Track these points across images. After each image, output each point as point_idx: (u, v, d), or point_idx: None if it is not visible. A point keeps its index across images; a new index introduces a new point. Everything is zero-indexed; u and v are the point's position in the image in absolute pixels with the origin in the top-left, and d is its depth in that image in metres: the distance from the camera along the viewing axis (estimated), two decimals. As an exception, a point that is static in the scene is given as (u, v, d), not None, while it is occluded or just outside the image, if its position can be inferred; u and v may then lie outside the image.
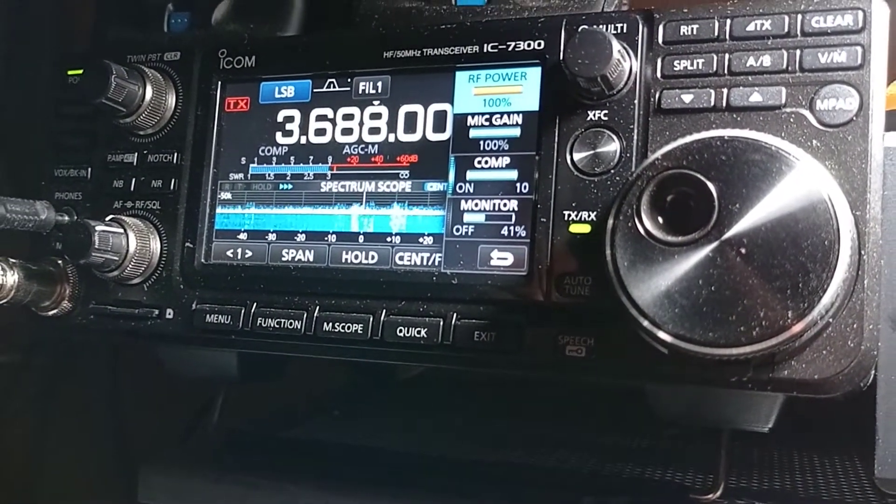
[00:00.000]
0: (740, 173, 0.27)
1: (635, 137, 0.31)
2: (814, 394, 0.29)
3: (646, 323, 0.28)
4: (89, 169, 0.40)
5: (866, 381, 0.29)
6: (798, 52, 0.30)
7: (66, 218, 0.39)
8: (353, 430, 0.51)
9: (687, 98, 0.31)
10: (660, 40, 0.32)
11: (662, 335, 0.27)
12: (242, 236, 0.38)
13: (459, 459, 0.44)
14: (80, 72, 0.40)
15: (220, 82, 0.39)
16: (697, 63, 0.31)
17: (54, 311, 0.40)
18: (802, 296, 0.26)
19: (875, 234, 0.28)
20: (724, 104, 0.30)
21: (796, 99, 0.30)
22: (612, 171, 0.31)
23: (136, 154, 0.39)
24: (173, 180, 0.38)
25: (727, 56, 0.31)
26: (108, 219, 0.38)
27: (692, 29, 0.31)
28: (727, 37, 0.31)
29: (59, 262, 0.39)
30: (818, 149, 0.29)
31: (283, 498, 0.40)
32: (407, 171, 0.35)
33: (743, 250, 0.27)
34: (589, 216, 0.31)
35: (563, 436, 0.48)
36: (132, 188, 0.39)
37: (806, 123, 0.29)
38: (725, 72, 0.30)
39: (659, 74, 0.31)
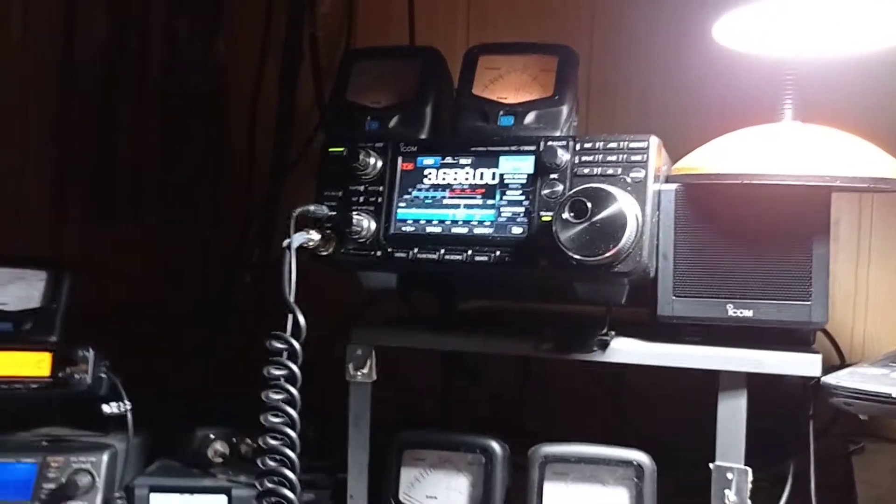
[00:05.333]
0: (598, 198, 0.78)
1: (567, 184, 0.83)
2: (626, 277, 0.80)
3: (566, 251, 0.79)
4: (340, 192, 0.92)
5: (648, 273, 0.81)
6: (626, 154, 0.81)
7: (331, 213, 0.91)
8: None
9: (585, 170, 0.82)
10: (577, 148, 0.83)
11: (571, 254, 0.78)
12: (410, 221, 0.89)
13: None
14: (341, 150, 0.91)
15: (399, 157, 0.90)
16: (589, 158, 0.82)
17: (325, 253, 0.91)
18: (615, 239, 0.77)
19: (648, 222, 0.79)
20: (599, 174, 0.82)
21: (624, 172, 0.81)
22: (558, 196, 0.83)
23: (363, 186, 0.90)
24: (379, 198, 0.90)
25: (601, 155, 0.82)
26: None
27: (589, 145, 0.83)
28: (601, 148, 0.82)
29: (328, 229, 0.91)
30: (630, 191, 0.80)
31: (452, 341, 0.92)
32: (480, 196, 0.87)
33: (597, 224, 0.77)
34: (549, 213, 0.82)
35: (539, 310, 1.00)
36: (361, 200, 0.91)
37: (626, 181, 0.80)
38: (600, 162, 0.82)
39: (576, 161, 0.83)
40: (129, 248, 1.52)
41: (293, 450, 0.79)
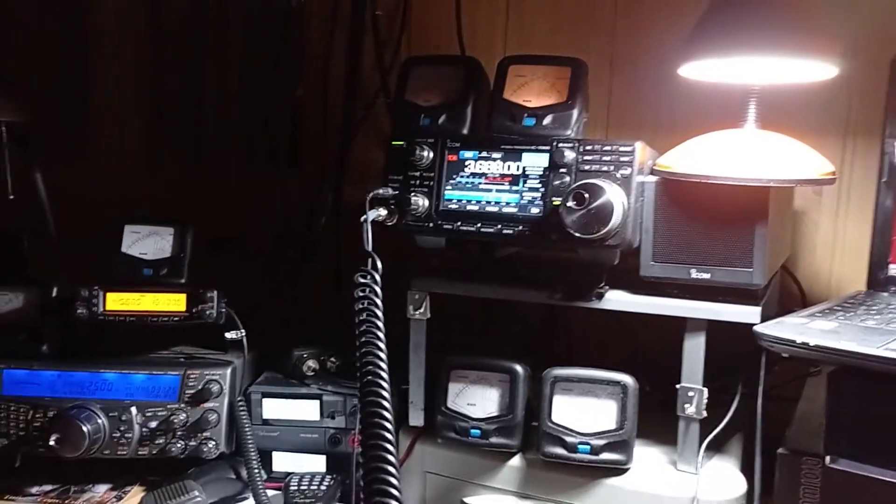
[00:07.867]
0: (593, 191, 1.04)
1: (573, 177, 1.09)
2: (615, 249, 1.07)
3: (570, 230, 1.06)
4: (401, 176, 1.19)
5: (633, 245, 1.08)
6: (617, 155, 1.07)
7: (393, 192, 1.19)
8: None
9: (587, 167, 1.08)
10: (580, 149, 1.09)
11: (573, 233, 1.05)
12: (454, 200, 1.17)
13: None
14: (401, 143, 1.18)
15: (445, 150, 1.17)
16: (590, 157, 1.08)
17: (390, 223, 1.19)
18: (605, 222, 1.03)
19: (634, 207, 1.06)
20: (597, 170, 1.08)
21: (616, 169, 1.06)
22: (566, 186, 1.09)
23: (419, 172, 1.17)
24: (431, 182, 1.17)
25: (598, 155, 1.08)
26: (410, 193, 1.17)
27: (590, 147, 1.08)
28: (599, 150, 1.08)
29: (392, 205, 1.19)
30: (620, 183, 1.06)
31: (487, 290, 1.21)
32: (508, 183, 1.14)
33: (593, 210, 1.04)
34: (558, 200, 1.09)
35: (551, 269, 1.28)
36: (417, 183, 1.18)
37: (616, 176, 1.07)
38: (598, 161, 1.08)
39: (580, 159, 1.09)
40: (217, 187, 1.79)
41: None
